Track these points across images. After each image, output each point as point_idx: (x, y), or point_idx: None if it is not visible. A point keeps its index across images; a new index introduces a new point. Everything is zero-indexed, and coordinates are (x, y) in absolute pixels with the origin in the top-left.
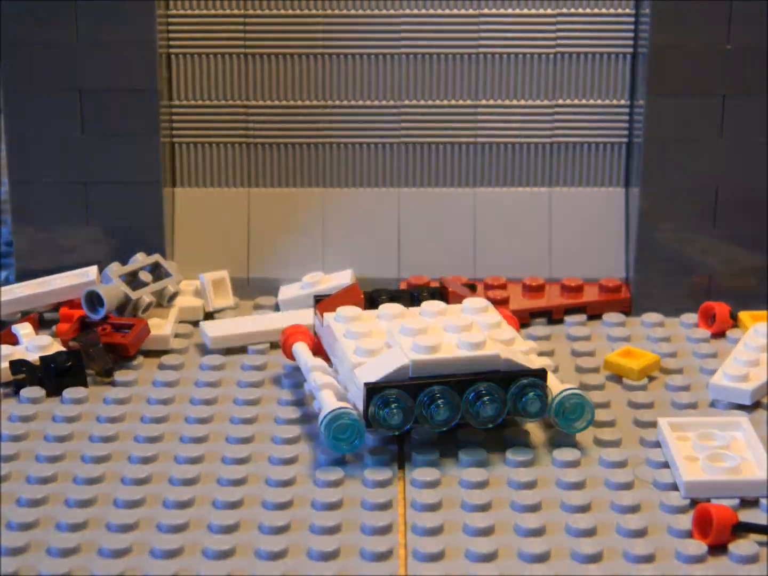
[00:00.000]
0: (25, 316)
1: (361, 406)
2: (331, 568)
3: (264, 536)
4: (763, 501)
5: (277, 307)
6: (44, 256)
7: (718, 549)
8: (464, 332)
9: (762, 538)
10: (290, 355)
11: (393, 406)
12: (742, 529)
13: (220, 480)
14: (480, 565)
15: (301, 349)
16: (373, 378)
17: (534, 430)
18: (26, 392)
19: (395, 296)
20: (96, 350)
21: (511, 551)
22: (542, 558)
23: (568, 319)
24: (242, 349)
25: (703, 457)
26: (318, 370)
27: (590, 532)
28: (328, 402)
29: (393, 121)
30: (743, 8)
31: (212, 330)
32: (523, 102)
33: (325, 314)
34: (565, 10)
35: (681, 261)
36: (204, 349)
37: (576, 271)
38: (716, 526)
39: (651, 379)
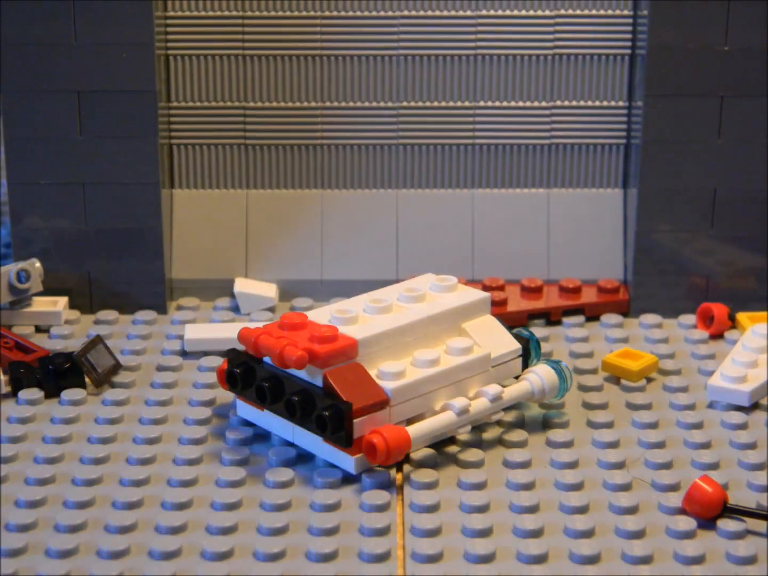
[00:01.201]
0: None
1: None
2: (329, 569)
3: (263, 538)
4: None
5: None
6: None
7: (716, 552)
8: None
9: (759, 529)
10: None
11: None
12: (732, 512)
13: (218, 481)
14: (478, 566)
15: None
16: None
17: (532, 430)
18: (24, 394)
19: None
20: (99, 358)
21: (509, 552)
22: (541, 559)
23: (566, 320)
24: None
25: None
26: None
27: (588, 533)
28: (523, 386)
29: (391, 122)
30: (741, 9)
31: (190, 332)
32: (521, 103)
33: None
34: (563, 12)
35: (679, 262)
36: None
37: (574, 273)
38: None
39: (649, 380)
